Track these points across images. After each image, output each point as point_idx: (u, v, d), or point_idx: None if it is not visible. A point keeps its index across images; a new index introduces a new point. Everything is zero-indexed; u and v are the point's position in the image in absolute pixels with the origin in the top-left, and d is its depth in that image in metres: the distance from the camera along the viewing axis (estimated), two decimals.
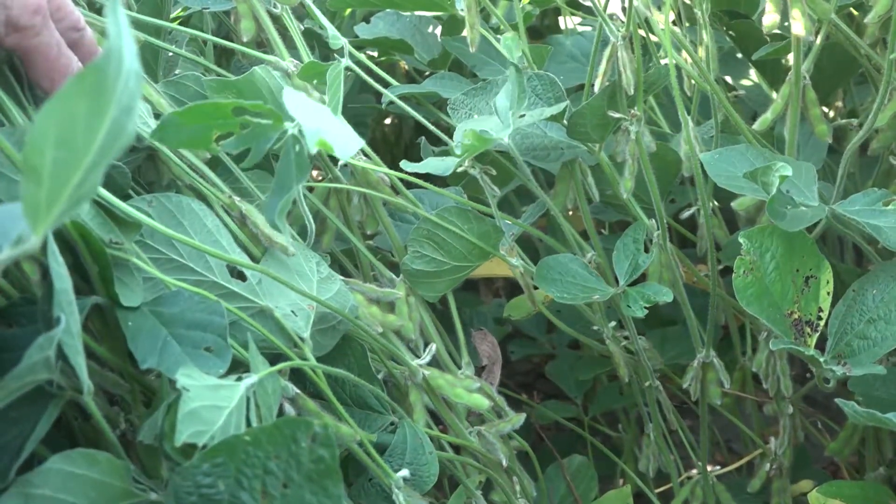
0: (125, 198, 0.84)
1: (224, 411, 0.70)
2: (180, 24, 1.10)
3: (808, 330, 0.93)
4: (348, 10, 1.38)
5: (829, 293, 0.95)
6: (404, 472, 0.89)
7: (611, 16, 1.05)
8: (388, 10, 1.32)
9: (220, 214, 0.90)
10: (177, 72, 1.04)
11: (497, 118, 0.99)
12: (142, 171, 0.91)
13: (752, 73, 1.31)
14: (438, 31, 1.36)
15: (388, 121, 1.65)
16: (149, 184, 0.91)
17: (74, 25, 0.81)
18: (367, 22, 1.33)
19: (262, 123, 0.72)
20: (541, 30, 1.58)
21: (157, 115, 0.92)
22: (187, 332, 0.75)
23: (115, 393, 0.80)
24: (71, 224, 0.71)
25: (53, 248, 0.65)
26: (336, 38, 0.99)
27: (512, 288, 1.66)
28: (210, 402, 0.69)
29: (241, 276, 0.87)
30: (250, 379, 0.74)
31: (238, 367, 0.76)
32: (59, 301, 0.65)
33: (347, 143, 0.65)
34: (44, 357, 0.65)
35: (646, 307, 1.02)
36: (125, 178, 0.83)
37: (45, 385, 0.70)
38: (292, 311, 0.88)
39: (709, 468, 1.26)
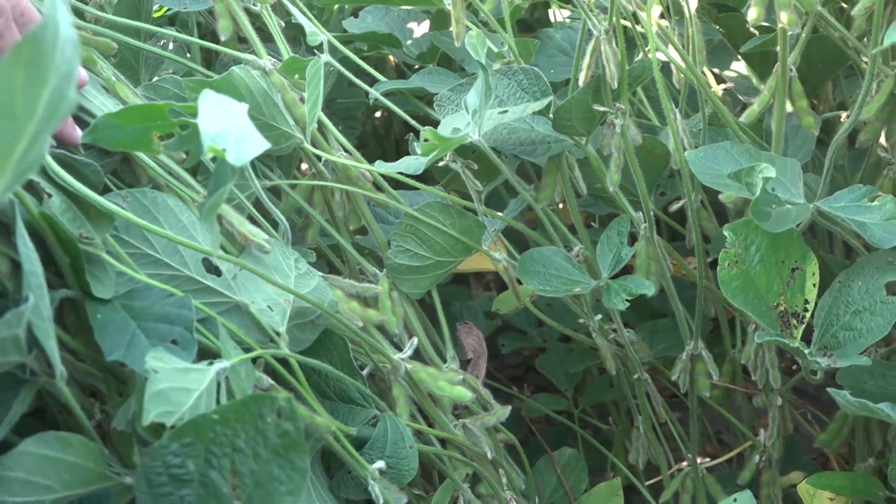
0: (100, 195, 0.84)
1: (193, 394, 0.70)
2: (167, 22, 1.10)
3: (795, 322, 0.94)
4: (337, 5, 1.37)
5: (815, 285, 0.95)
6: (380, 464, 0.89)
7: (600, 8, 1.05)
8: (376, 4, 1.32)
9: (196, 211, 0.90)
10: (163, 72, 1.04)
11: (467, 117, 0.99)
12: (119, 173, 0.91)
13: (740, 64, 1.31)
14: (427, 25, 1.36)
15: (378, 114, 1.65)
16: (127, 185, 0.91)
17: None
18: (356, 16, 1.33)
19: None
20: (530, 23, 1.58)
21: None
22: (155, 325, 0.76)
23: (90, 384, 0.80)
24: (40, 215, 0.71)
25: (22, 230, 0.66)
26: (314, 34, 0.99)
27: (502, 281, 1.65)
28: (179, 384, 0.70)
29: (216, 273, 0.87)
30: (222, 364, 0.74)
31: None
32: (29, 283, 0.65)
33: (245, 149, 0.63)
34: (12, 335, 0.65)
35: (629, 300, 1.03)
36: (98, 175, 0.83)
37: (18, 371, 0.70)
38: (268, 307, 0.88)
39: (699, 460, 1.26)
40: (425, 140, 0.93)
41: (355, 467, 0.90)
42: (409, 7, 1.35)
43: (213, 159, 0.74)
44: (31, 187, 0.75)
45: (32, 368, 0.71)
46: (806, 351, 0.91)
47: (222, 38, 1.01)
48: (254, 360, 0.83)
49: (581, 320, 1.18)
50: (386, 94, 1.16)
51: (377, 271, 1.06)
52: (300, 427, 0.68)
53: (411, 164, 1.01)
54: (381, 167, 1.01)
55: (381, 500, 0.90)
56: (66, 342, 0.76)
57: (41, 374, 0.72)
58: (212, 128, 0.63)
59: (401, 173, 1.02)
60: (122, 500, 0.75)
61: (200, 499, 0.68)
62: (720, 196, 1.16)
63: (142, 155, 0.89)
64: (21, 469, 0.68)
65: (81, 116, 0.88)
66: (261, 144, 0.64)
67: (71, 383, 0.74)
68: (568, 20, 1.39)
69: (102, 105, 0.89)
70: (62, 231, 0.73)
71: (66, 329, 0.78)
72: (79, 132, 0.84)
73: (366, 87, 1.10)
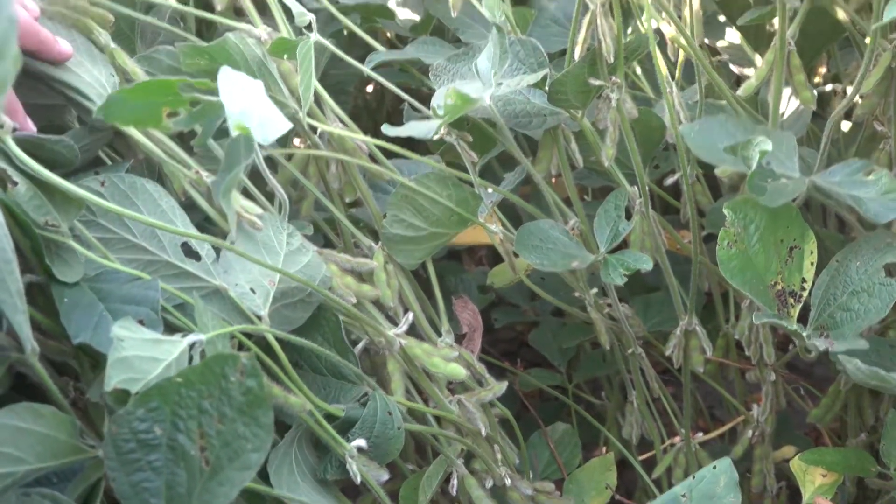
0: (76, 171, 0.83)
1: (161, 363, 0.70)
2: None
3: (792, 301, 0.93)
4: None
5: (812, 263, 0.94)
6: (359, 442, 0.89)
7: None
8: None
9: (187, 191, 0.89)
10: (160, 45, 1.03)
11: (478, 82, 0.98)
12: (114, 146, 0.90)
13: (735, 35, 1.30)
14: None
15: (370, 88, 1.64)
16: (122, 158, 0.90)
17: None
18: None
19: (212, 101, 0.71)
20: None
21: None
22: (122, 307, 0.76)
23: (63, 361, 0.80)
24: None
25: None
26: (303, 15, 0.98)
27: (495, 256, 1.64)
28: (147, 353, 0.70)
29: (196, 258, 0.87)
30: (195, 336, 0.74)
31: None
32: None
33: (270, 128, 0.64)
34: None
35: (626, 275, 1.02)
36: (72, 151, 0.83)
37: None
38: (251, 289, 0.88)
39: (692, 435, 1.26)
40: (448, 101, 0.91)
41: (333, 446, 0.90)
42: None
43: (225, 136, 0.73)
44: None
45: (3, 344, 0.71)
46: (804, 333, 0.91)
47: (218, 9, 1.00)
48: (232, 340, 0.83)
49: (577, 294, 1.17)
50: (378, 67, 1.15)
51: (372, 244, 1.05)
52: (262, 383, 0.69)
53: (420, 128, 0.99)
54: (389, 131, 0.99)
55: (359, 479, 0.90)
56: (37, 321, 0.76)
57: (12, 349, 0.72)
58: (236, 107, 0.63)
59: (396, 144, 1.00)
60: (95, 473, 0.75)
61: (169, 463, 0.69)
62: (716, 170, 1.15)
63: (133, 130, 0.88)
64: None
65: (69, 94, 0.87)
66: (284, 124, 0.65)
67: (43, 361, 0.74)
68: None
69: (93, 80, 0.87)
70: (20, 217, 0.73)
71: (35, 307, 0.77)
72: (30, 123, 0.82)
73: (357, 64, 1.08)
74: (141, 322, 0.75)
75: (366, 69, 1.10)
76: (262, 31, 0.96)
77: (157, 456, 0.69)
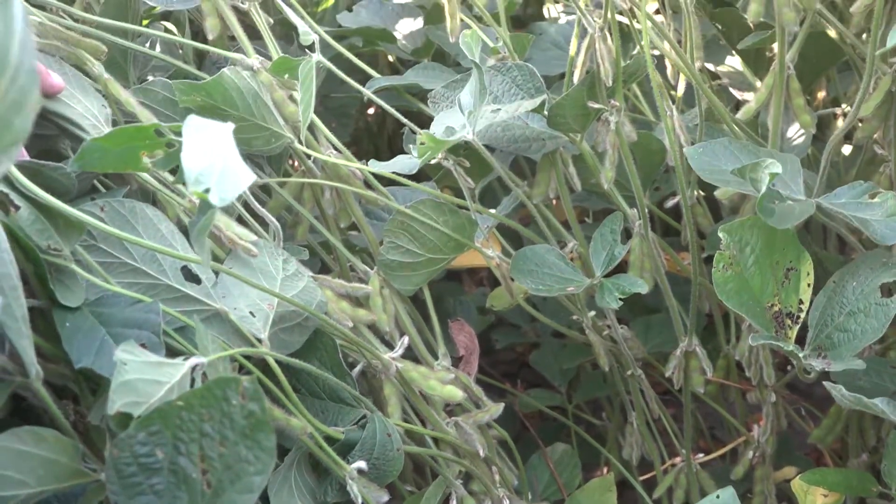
0: (72, 199, 0.83)
1: (163, 386, 0.70)
2: (155, 21, 1.09)
3: (789, 322, 0.93)
4: (332, 0, 1.37)
5: (809, 284, 0.94)
6: (359, 464, 0.90)
7: (595, 4, 1.04)
8: None
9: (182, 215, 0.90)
10: (152, 72, 1.04)
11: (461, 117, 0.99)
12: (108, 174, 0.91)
13: (736, 60, 1.31)
14: (421, 21, 1.35)
15: (371, 111, 1.65)
16: (117, 186, 0.91)
17: None
18: (351, 11, 1.32)
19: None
20: (524, 19, 1.57)
21: (127, 116, 0.93)
22: (123, 331, 0.76)
23: (62, 385, 0.80)
24: (2, 226, 0.71)
25: (0, 233, 0.65)
26: (307, 34, 0.99)
27: (496, 277, 1.65)
28: (149, 376, 0.70)
29: (196, 281, 0.88)
30: (197, 359, 0.74)
31: None
32: (1, 284, 0.65)
33: (228, 186, 0.62)
34: None
35: (622, 298, 1.02)
36: (69, 179, 0.83)
37: None
38: (251, 312, 0.88)
39: (692, 456, 1.26)
40: (421, 143, 0.93)
41: (334, 468, 0.90)
42: (403, 1, 1.34)
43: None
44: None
45: (6, 368, 0.71)
46: (800, 354, 0.91)
47: (210, 37, 1.00)
48: (233, 363, 0.83)
49: (574, 316, 1.18)
50: (379, 90, 1.16)
51: (368, 269, 1.05)
52: (265, 407, 0.68)
53: (405, 163, 1.00)
54: (375, 167, 1.00)
55: (360, 500, 0.90)
56: (38, 345, 0.76)
57: (16, 374, 0.72)
58: (195, 165, 0.61)
59: (394, 172, 1.02)
60: (97, 496, 0.75)
61: (170, 486, 0.69)
62: (716, 192, 1.16)
63: None
64: None
65: (62, 125, 0.88)
66: (246, 178, 0.63)
67: (44, 384, 0.74)
68: (562, 14, 1.38)
69: (85, 111, 0.88)
70: (24, 242, 0.73)
71: (36, 332, 0.77)
72: (23, 151, 0.82)
73: (358, 86, 1.09)
74: (143, 345, 0.75)
75: (367, 92, 1.11)
76: (254, 59, 0.97)
77: (158, 479, 0.69)
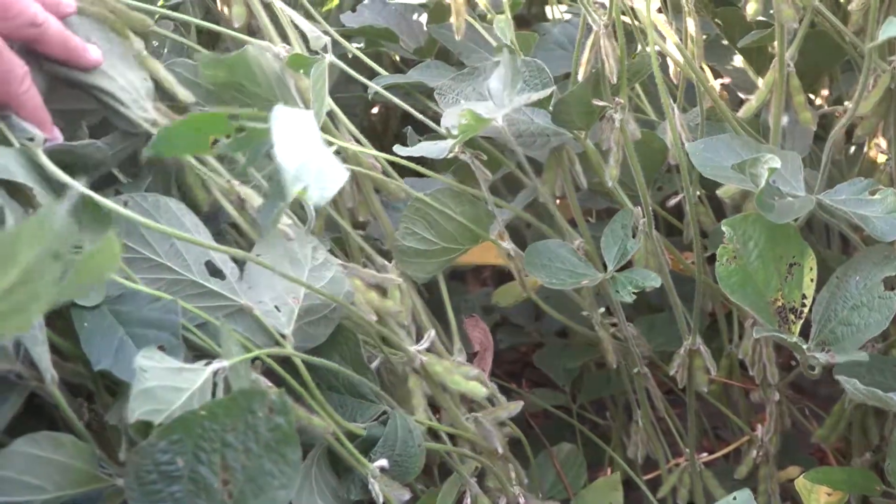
0: (103, 178, 0.83)
1: (184, 393, 0.70)
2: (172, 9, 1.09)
3: (793, 317, 0.93)
4: (336, 1, 1.38)
5: (812, 280, 0.95)
6: (381, 462, 0.89)
7: (598, 3, 1.05)
8: None
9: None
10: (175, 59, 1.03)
11: (488, 102, 0.99)
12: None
13: (738, 59, 1.31)
14: (424, 18, 1.35)
15: (375, 111, 1.65)
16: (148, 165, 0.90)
17: (31, 21, 0.78)
18: (354, 11, 1.33)
19: (257, 128, 0.71)
20: (528, 18, 1.58)
21: (162, 92, 0.92)
22: (143, 331, 0.76)
23: (78, 384, 0.79)
24: None
25: None
26: (318, 38, 0.99)
27: (500, 277, 1.66)
28: (170, 383, 0.70)
29: (220, 276, 0.87)
30: (218, 363, 0.74)
31: None
32: None
33: (326, 185, 0.61)
34: None
35: (634, 293, 1.03)
36: (102, 152, 0.82)
37: (8, 375, 0.70)
38: (276, 307, 0.87)
39: (696, 455, 1.26)
40: (462, 120, 0.92)
41: (356, 466, 0.90)
42: (406, 1, 1.35)
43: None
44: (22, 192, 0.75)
45: (21, 374, 0.71)
46: (804, 346, 0.91)
47: (236, 25, 1.00)
48: (256, 361, 0.82)
49: (585, 313, 1.18)
50: (385, 89, 1.16)
51: (385, 262, 1.05)
52: (292, 421, 0.68)
53: (432, 149, 1.00)
54: (401, 151, 1.00)
55: (381, 499, 0.89)
56: (54, 343, 0.75)
57: (31, 378, 0.72)
58: (292, 162, 0.60)
59: (409, 163, 1.02)
60: (113, 502, 0.75)
61: (190, 494, 0.69)
62: (718, 191, 1.16)
63: None
64: (12, 468, 0.68)
65: (102, 98, 0.87)
66: (342, 176, 0.62)
67: (59, 383, 0.74)
68: (566, 14, 1.39)
69: (127, 84, 0.87)
70: None
71: (53, 330, 0.77)
72: (57, 132, 0.82)
73: (367, 82, 1.09)
74: (161, 347, 0.74)
75: (377, 87, 1.11)
76: (280, 48, 0.97)
77: (178, 487, 0.69)
